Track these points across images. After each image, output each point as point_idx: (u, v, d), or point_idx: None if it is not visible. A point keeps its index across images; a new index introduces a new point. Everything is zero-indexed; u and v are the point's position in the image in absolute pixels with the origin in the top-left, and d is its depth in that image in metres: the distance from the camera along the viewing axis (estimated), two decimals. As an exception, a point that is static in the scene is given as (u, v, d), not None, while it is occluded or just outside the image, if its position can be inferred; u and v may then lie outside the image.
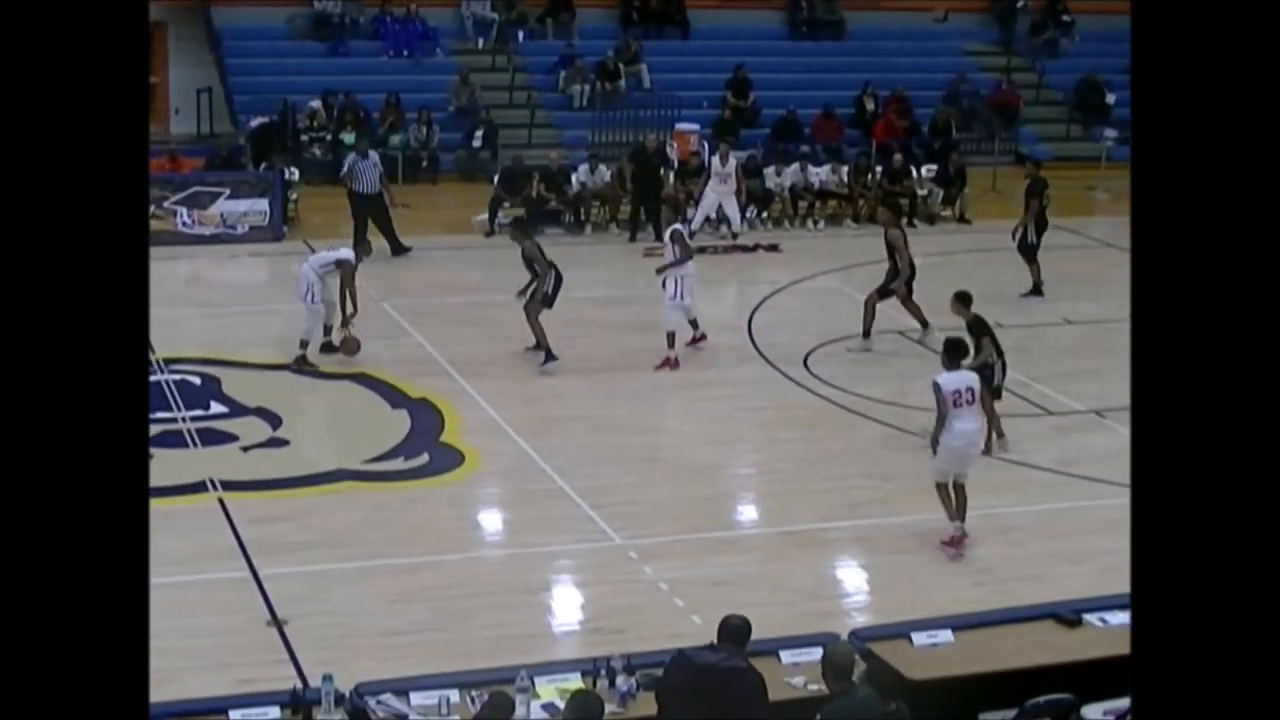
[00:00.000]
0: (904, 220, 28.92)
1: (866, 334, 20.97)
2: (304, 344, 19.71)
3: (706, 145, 30.73)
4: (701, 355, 20.83)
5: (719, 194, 27.34)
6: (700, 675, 9.59)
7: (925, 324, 21.00)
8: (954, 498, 14.83)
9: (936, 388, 14.65)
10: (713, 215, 27.53)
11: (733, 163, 27.65)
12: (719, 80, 34.79)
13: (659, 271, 20.20)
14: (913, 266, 21.04)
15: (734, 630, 9.81)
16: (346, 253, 19.98)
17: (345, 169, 26.42)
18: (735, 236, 27.30)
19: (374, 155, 26.67)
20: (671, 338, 19.87)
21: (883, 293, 21.02)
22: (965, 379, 14.81)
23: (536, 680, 10.46)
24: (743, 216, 28.50)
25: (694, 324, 20.49)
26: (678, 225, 20.88)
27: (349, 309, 19.76)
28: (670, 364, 19.81)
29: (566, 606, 14.14)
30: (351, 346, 19.71)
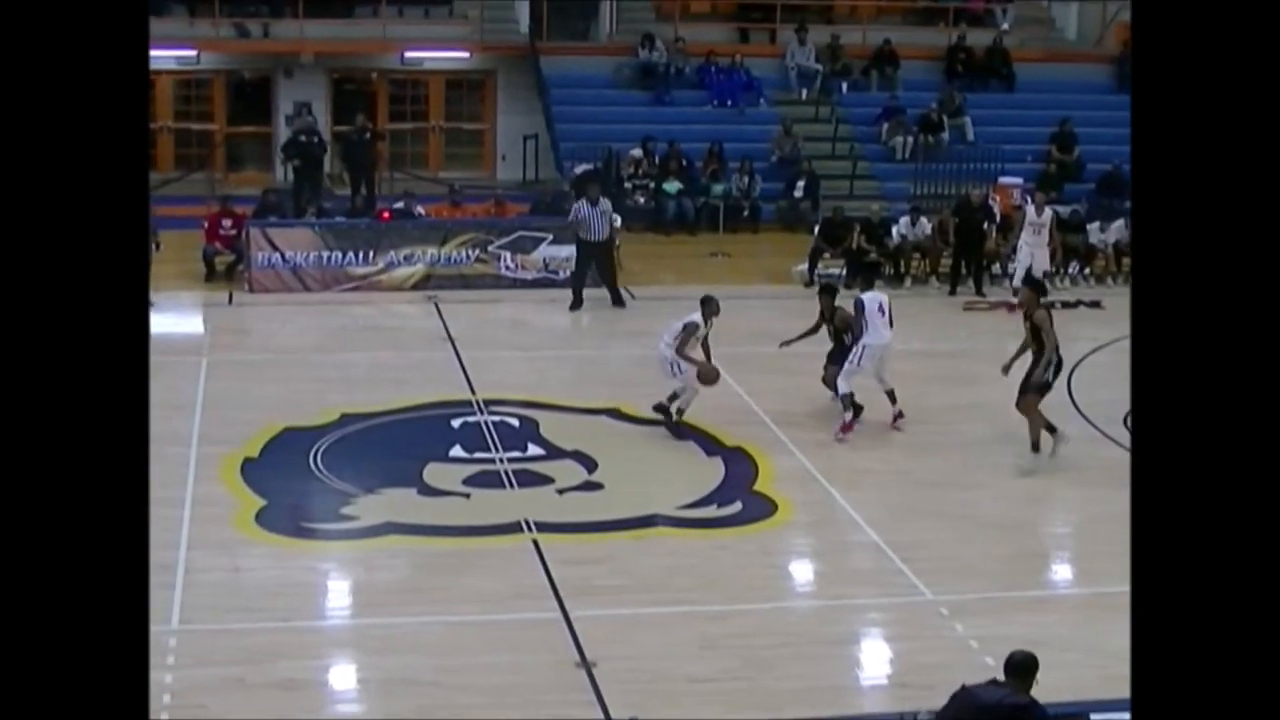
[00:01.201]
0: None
1: (1051, 430, 18.98)
2: (680, 411, 19.43)
3: (1029, 199, 30.41)
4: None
5: (1031, 245, 26.67)
6: (983, 712, 9.47)
7: (1053, 430, 19.02)
8: None
9: None
10: (1032, 268, 26.83)
11: (1048, 213, 27.05)
12: (1043, 134, 34.42)
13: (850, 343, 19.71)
14: (1059, 358, 19.16)
15: (1019, 665, 9.76)
16: (693, 317, 19.42)
17: (572, 216, 26.45)
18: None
19: (605, 203, 26.53)
20: (847, 400, 19.39)
21: (1038, 389, 18.88)
22: None
23: (842, 733, 10.40)
24: (1062, 271, 28.09)
25: (890, 396, 19.86)
26: (862, 295, 20.03)
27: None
28: (845, 428, 19.29)
29: (874, 660, 14.02)
30: (710, 375, 19.26)
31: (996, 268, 27.98)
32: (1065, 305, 26.51)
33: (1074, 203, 31.03)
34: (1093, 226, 29.12)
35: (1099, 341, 23.72)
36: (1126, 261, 28.66)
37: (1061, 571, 16.49)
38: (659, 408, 19.51)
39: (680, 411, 19.45)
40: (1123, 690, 12.07)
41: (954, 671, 12.85)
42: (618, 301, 25.99)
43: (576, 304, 25.89)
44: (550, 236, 27.31)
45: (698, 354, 19.38)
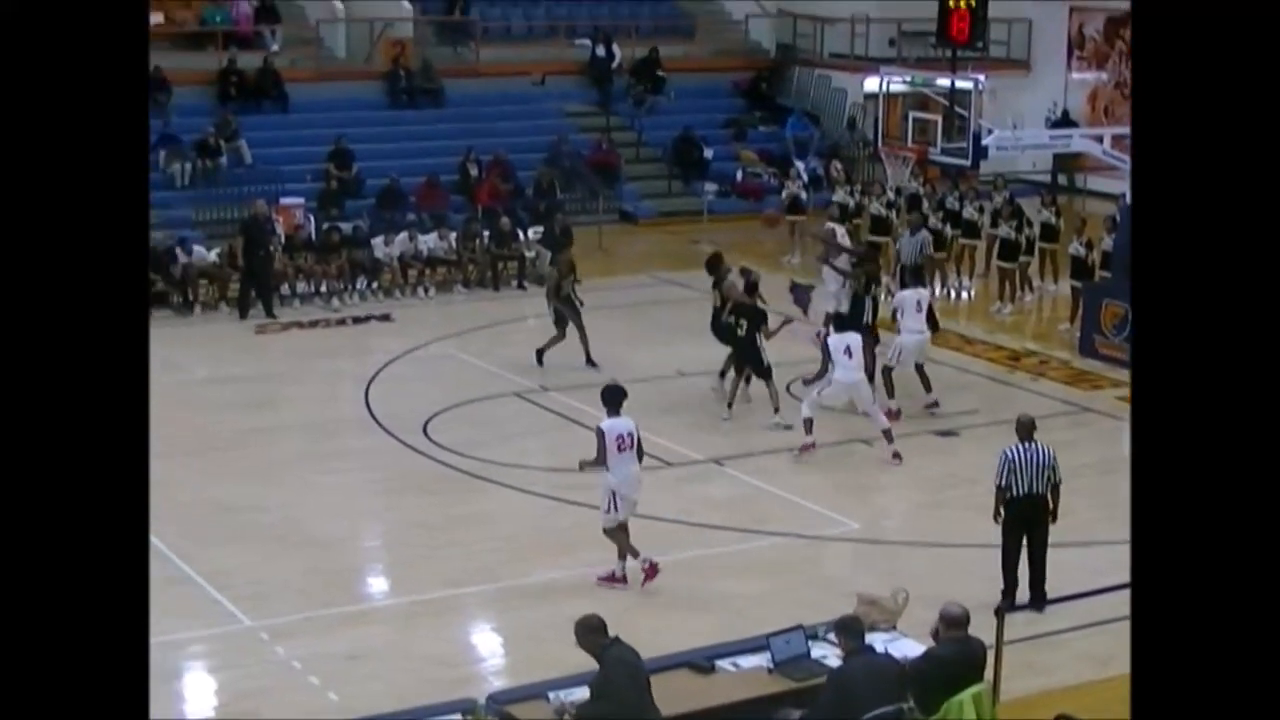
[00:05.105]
0: (514, 283, 29.23)
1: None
2: None
3: (311, 218, 30.59)
4: (321, 427, 20.60)
5: None
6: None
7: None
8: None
9: (599, 434, 15.19)
10: None
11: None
12: (320, 153, 34.50)
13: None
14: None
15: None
16: None
17: None
18: None
19: None
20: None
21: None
22: (626, 424, 15.11)
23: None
24: (350, 288, 28.24)
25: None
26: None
27: None
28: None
29: (198, 693, 13.82)
30: None
31: (285, 288, 27.87)
32: (357, 320, 26.80)
33: (356, 219, 31.28)
34: (376, 241, 29.33)
35: (392, 354, 24.06)
36: (411, 273, 29.11)
37: (377, 583, 16.61)
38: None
39: None
40: (444, 693, 12.33)
41: (277, 695, 12.86)
42: None
43: None
44: None
45: None
